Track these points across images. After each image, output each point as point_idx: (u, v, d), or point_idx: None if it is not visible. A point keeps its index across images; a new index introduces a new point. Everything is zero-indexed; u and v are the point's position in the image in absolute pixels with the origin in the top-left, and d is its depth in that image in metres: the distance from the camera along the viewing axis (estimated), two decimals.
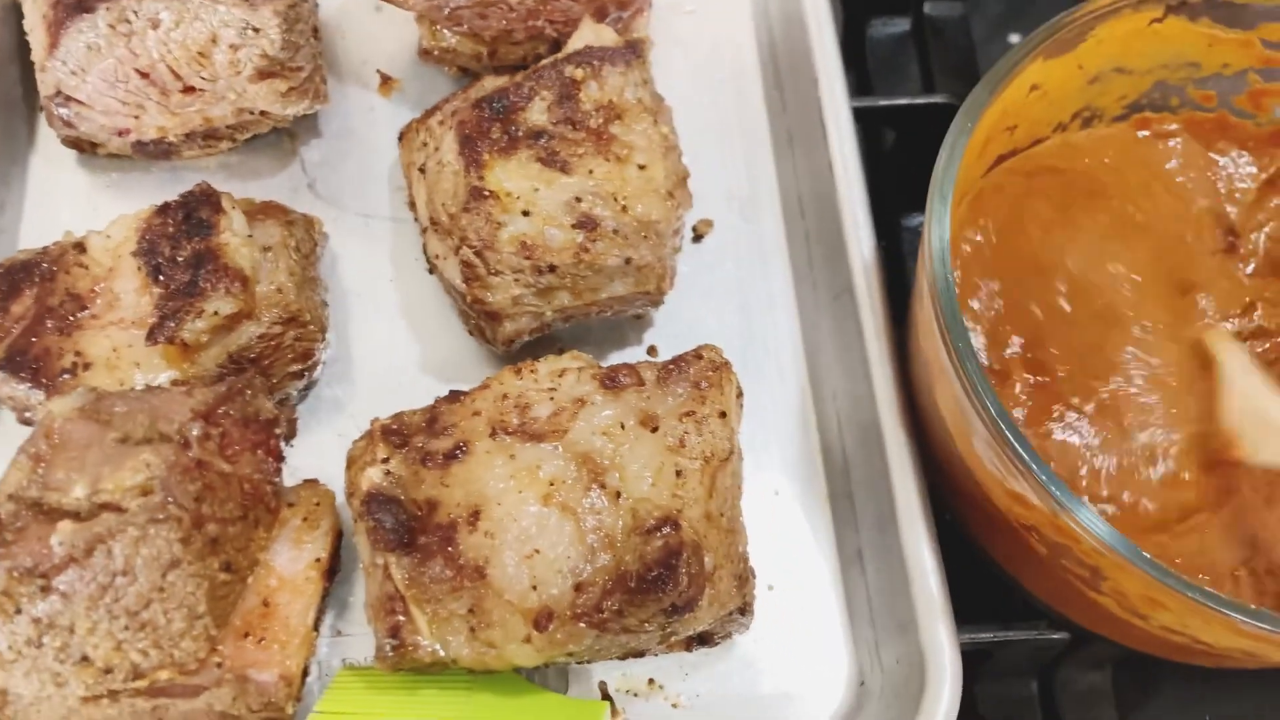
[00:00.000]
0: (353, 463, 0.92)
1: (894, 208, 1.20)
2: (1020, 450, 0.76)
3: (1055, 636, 0.98)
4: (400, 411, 0.91)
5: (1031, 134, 1.01)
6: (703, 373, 0.91)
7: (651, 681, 0.97)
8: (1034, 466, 0.76)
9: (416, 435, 0.90)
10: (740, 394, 0.93)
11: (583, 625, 0.84)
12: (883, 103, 1.20)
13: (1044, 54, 0.92)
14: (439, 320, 1.11)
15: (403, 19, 1.23)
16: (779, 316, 1.11)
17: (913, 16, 1.38)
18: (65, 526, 0.83)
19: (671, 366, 0.91)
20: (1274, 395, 0.88)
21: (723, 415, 0.89)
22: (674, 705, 0.96)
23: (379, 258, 1.13)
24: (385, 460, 0.89)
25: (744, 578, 0.91)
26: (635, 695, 0.96)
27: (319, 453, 1.03)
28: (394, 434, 0.90)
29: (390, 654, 0.86)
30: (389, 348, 1.10)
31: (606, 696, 0.96)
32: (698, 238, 1.14)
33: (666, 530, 0.84)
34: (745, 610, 0.91)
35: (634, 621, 0.84)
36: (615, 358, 1.10)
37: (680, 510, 0.86)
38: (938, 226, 0.85)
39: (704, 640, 0.92)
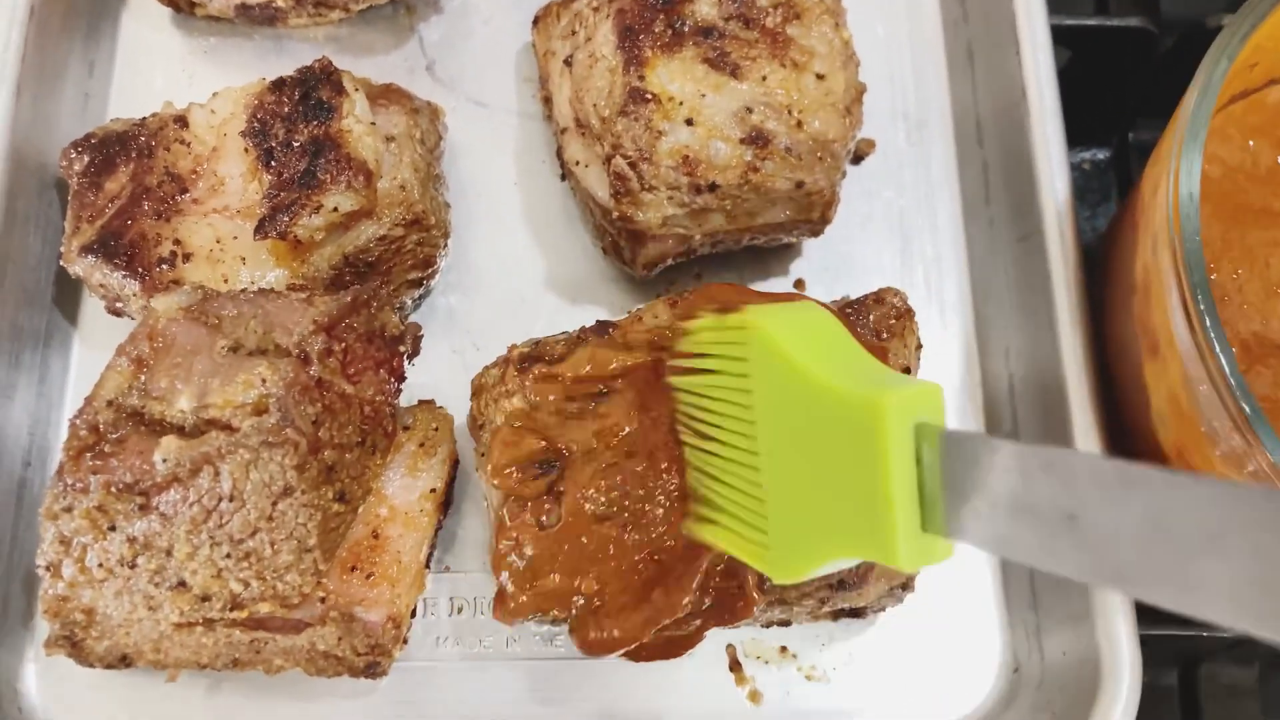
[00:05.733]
0: (482, 391, 0.83)
1: None
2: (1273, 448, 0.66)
3: (1223, 635, 0.90)
4: (539, 339, 0.81)
5: (1269, 73, 0.88)
6: (884, 320, 0.80)
7: (784, 649, 0.88)
8: None
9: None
10: (920, 346, 0.83)
11: None
12: (1073, 22, 1.05)
13: None
14: (566, 231, 0.99)
15: None
16: (945, 255, 1.00)
17: None
18: (170, 443, 0.74)
19: (849, 310, 0.80)
20: None
21: (906, 370, 0.79)
22: (807, 677, 0.88)
23: (503, 155, 1.02)
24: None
25: None
26: (766, 663, 0.88)
27: (432, 369, 0.94)
28: (533, 364, 0.80)
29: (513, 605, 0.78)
30: (510, 258, 0.99)
31: (735, 663, 0.88)
32: (857, 159, 1.02)
33: None
34: (908, 586, 0.82)
35: (794, 594, 0.76)
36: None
37: None
38: (1186, 177, 0.72)
39: (855, 613, 0.84)
